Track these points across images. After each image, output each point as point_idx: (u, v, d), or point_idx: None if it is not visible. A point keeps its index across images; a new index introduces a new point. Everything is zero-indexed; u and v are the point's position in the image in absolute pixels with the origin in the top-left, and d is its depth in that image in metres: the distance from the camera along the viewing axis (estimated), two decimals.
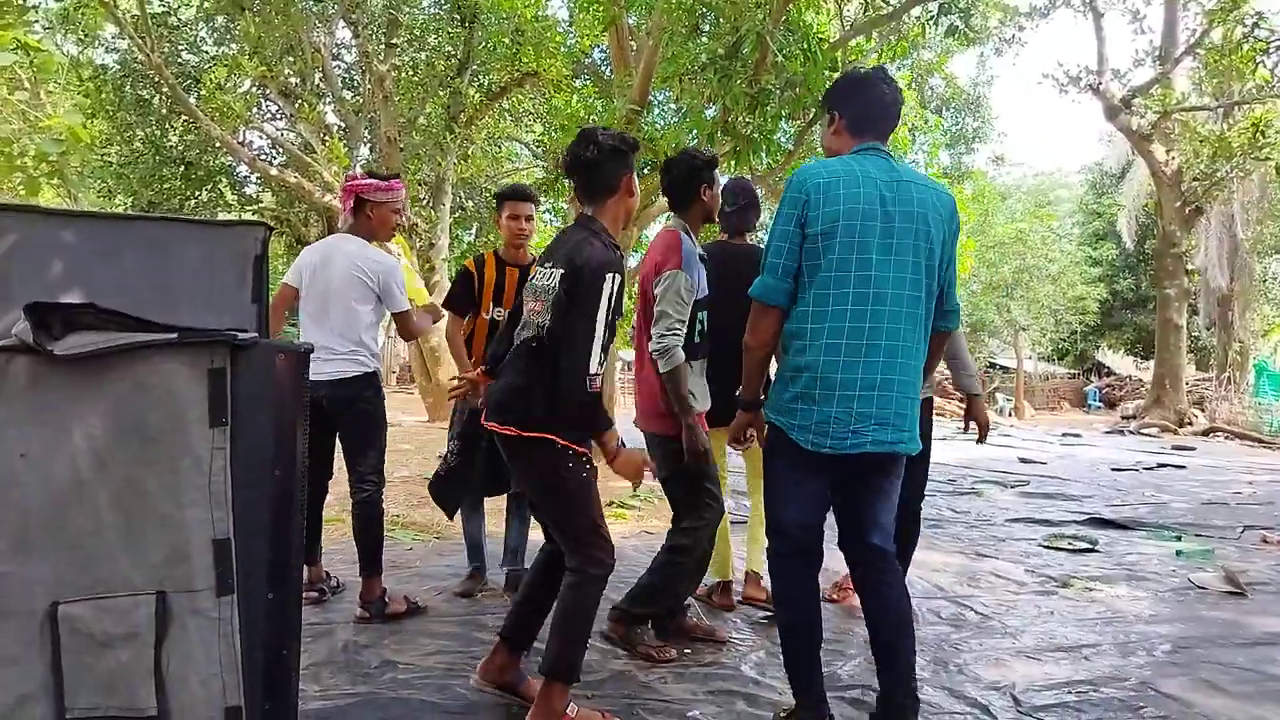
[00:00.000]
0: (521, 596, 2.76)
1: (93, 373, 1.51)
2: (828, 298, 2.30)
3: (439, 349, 12.18)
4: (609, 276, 2.41)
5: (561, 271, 2.45)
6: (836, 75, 9.18)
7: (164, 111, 14.05)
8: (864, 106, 2.46)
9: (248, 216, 19.42)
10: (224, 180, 16.76)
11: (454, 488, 3.53)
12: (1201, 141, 17.20)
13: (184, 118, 13.47)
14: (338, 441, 3.62)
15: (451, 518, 3.72)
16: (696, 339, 3.23)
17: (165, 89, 12.05)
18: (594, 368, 2.39)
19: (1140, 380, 28.40)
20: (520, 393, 2.49)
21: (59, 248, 1.81)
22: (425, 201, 14.50)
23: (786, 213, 2.35)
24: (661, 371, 3.05)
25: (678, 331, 3.05)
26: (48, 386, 1.49)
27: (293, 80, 14.92)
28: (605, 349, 2.42)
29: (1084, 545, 5.37)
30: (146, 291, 1.93)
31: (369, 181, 3.63)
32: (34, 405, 1.49)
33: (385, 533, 4.81)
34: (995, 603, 4.04)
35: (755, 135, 8.04)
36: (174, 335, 1.55)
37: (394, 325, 3.79)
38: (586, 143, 2.61)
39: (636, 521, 5.89)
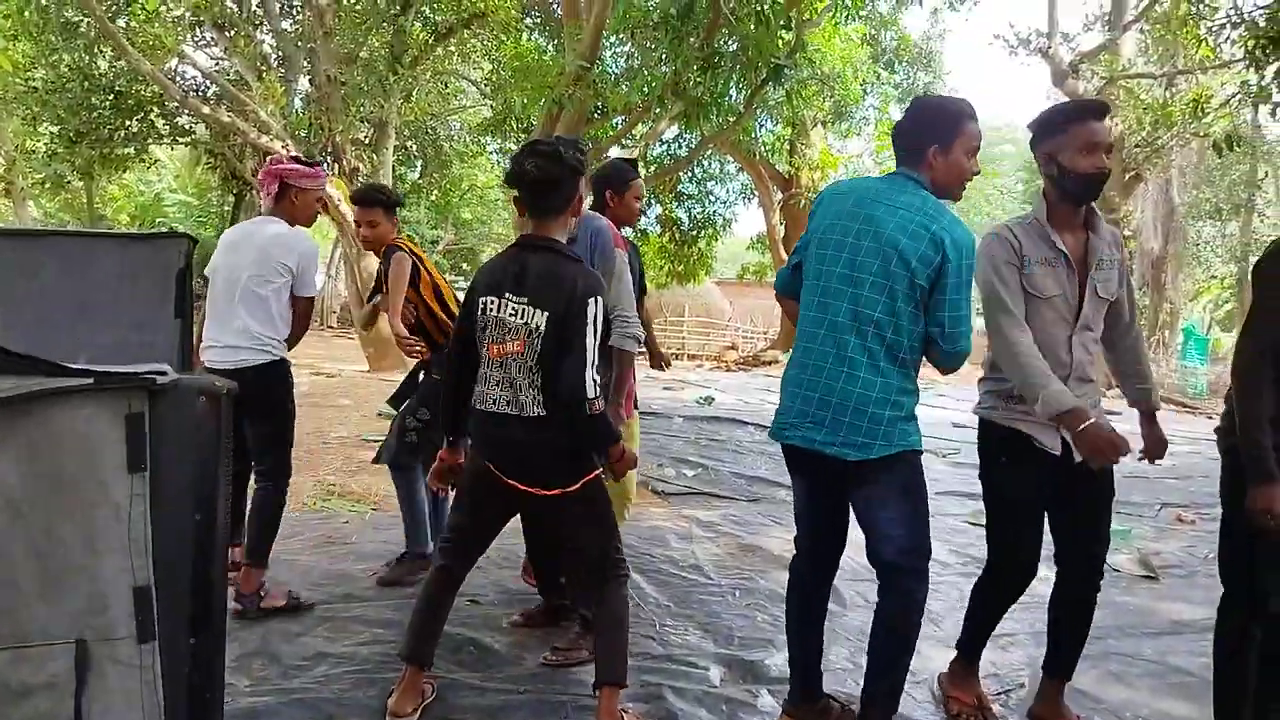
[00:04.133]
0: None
1: (4, 418, 1.46)
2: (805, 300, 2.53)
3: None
4: (592, 302, 2.46)
5: (546, 314, 2.46)
6: (789, 36, 9.11)
7: (92, 36, 13.39)
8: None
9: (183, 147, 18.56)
10: (155, 110, 16.10)
11: (425, 452, 3.70)
12: (1144, 110, 17.48)
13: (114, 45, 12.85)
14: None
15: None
16: None
17: (93, 15, 11.46)
18: (591, 392, 2.42)
19: None
20: (553, 454, 2.53)
21: None
22: (367, 143, 14.12)
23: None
24: None
25: (638, 318, 3.26)
26: None
27: (230, 6, 14.29)
28: (597, 369, 2.48)
29: None
30: (67, 309, 1.87)
31: (294, 167, 3.54)
32: None
33: (321, 503, 4.79)
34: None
35: (706, 97, 7.97)
36: (89, 380, 1.50)
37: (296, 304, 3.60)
38: (550, 157, 2.52)
39: (672, 507, 5.84)
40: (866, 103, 17.73)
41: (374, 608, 3.53)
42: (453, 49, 14.69)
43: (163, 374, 1.59)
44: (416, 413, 3.81)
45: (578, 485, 2.55)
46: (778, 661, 3.22)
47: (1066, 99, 19.22)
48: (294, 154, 3.66)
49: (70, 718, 1.51)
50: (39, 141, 16.59)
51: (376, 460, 4.08)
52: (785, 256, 20.86)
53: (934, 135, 2.42)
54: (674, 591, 3.97)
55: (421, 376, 4.02)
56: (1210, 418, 13.89)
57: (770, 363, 19.36)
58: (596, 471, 2.62)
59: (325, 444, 6.78)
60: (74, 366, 1.52)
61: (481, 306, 2.53)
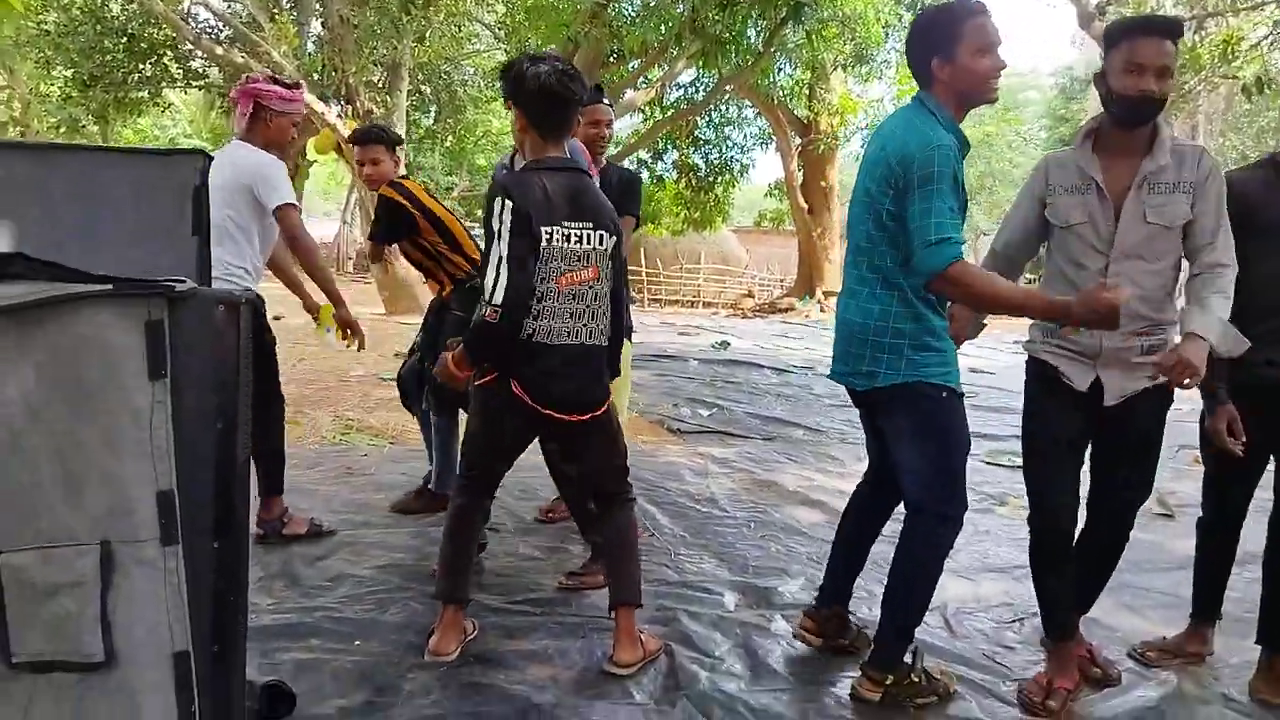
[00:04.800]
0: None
1: (25, 325, 1.47)
2: None
3: None
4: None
5: (614, 237, 2.51)
6: None
7: None
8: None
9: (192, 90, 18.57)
10: (169, 54, 15.97)
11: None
12: None
13: None
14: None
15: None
16: None
17: None
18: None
19: None
20: (601, 375, 2.59)
21: None
22: (380, 85, 13.99)
23: None
24: None
25: None
26: None
27: None
28: None
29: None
30: (80, 225, 1.87)
31: (270, 87, 3.30)
32: None
33: (340, 437, 4.84)
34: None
35: (724, 35, 7.82)
36: (109, 286, 1.51)
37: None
38: (575, 76, 2.46)
39: (688, 444, 5.86)
40: (888, 45, 17.31)
41: (392, 534, 3.60)
42: None
43: (181, 282, 1.59)
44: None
45: (604, 408, 2.58)
46: (791, 589, 3.25)
47: (1094, 42, 18.79)
48: (272, 76, 3.39)
49: (96, 616, 1.54)
50: (53, 85, 16.55)
51: (410, 403, 4.01)
52: (803, 203, 20.64)
53: (934, 47, 2.32)
54: (689, 523, 4.01)
55: (443, 313, 3.93)
56: None
57: (786, 309, 19.29)
58: (612, 396, 2.65)
59: (344, 382, 6.86)
60: (93, 274, 1.52)
61: (546, 238, 2.39)
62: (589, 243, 2.44)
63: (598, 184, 3.01)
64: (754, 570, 3.45)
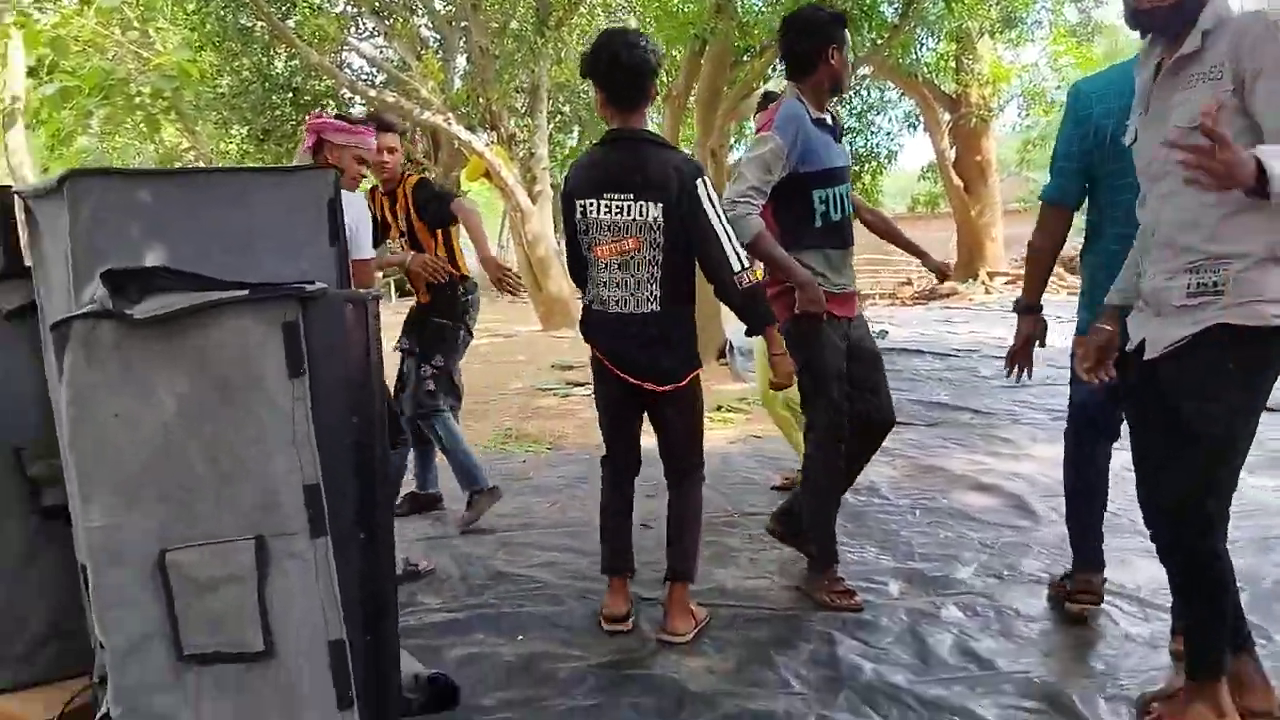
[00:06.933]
0: None
1: (172, 333, 1.56)
2: None
3: (546, 259, 12.29)
4: (700, 182, 2.48)
5: (661, 205, 2.48)
6: None
7: (267, 39, 14.32)
8: None
9: None
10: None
11: (444, 390, 3.81)
12: None
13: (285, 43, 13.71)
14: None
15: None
16: (819, 221, 2.79)
17: (265, 17, 12.24)
18: (736, 266, 2.48)
19: None
20: (670, 346, 2.60)
21: (138, 208, 1.84)
22: (523, 109, 14.43)
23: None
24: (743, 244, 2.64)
25: (750, 198, 2.67)
26: (131, 349, 1.55)
27: None
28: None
29: None
30: (228, 244, 1.95)
31: (329, 121, 3.11)
32: (121, 367, 1.55)
33: (499, 446, 4.99)
34: (1125, 498, 3.82)
35: (855, 11, 7.58)
36: (245, 292, 1.58)
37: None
38: (641, 46, 2.47)
39: (742, 426, 5.86)
40: (1038, 5, 16.37)
41: (549, 535, 3.66)
42: (597, 4, 14.71)
43: (311, 283, 1.65)
44: (431, 360, 3.70)
45: (685, 382, 2.62)
46: (964, 575, 3.07)
47: None
48: (339, 113, 3.25)
49: (255, 607, 1.61)
50: (231, 144, 17.98)
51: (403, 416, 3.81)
52: (958, 181, 19.70)
53: None
54: (846, 511, 3.82)
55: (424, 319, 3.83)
56: None
57: (949, 294, 18.44)
58: (699, 370, 2.68)
59: (502, 394, 7.07)
60: (230, 281, 1.60)
61: (581, 210, 2.55)
62: (629, 214, 2.50)
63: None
64: (920, 557, 3.28)
